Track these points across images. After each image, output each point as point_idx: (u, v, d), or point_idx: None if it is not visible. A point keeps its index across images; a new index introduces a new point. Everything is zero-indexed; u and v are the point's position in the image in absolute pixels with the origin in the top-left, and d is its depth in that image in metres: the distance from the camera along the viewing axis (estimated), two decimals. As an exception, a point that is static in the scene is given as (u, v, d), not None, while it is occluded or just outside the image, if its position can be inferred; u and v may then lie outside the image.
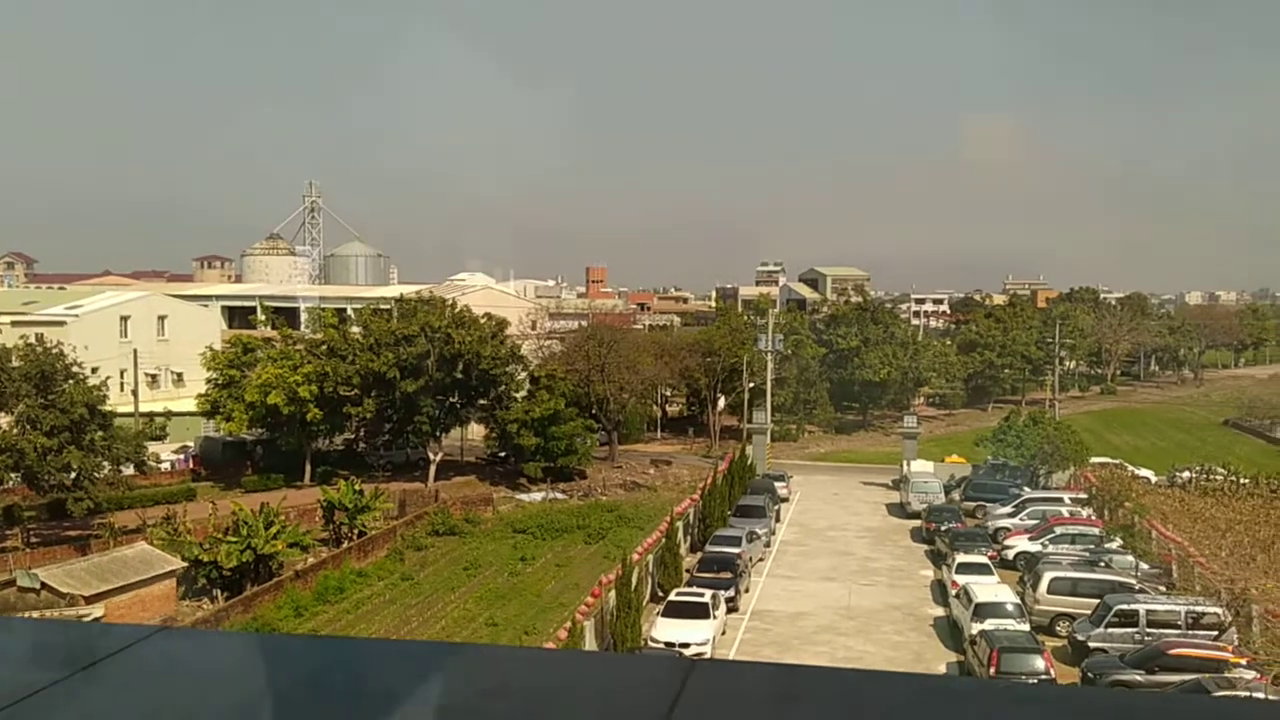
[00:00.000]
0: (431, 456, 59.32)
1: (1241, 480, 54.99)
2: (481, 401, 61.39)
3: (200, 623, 34.56)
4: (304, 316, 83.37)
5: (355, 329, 63.01)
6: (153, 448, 51.87)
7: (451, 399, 60.05)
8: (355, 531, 45.73)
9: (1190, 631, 29.69)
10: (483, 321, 60.52)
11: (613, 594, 31.52)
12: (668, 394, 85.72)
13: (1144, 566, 38.01)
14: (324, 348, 60.04)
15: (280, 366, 57.60)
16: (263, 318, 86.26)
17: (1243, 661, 26.86)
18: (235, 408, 58.11)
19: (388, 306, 67.13)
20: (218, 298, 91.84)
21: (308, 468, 59.02)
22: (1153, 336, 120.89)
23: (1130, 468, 60.02)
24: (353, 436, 64.82)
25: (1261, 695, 23.13)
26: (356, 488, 47.19)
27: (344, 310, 75.28)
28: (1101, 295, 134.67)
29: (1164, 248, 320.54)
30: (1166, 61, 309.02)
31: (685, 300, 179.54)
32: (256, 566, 39.16)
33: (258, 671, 2.71)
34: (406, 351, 57.23)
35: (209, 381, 60.43)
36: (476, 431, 66.73)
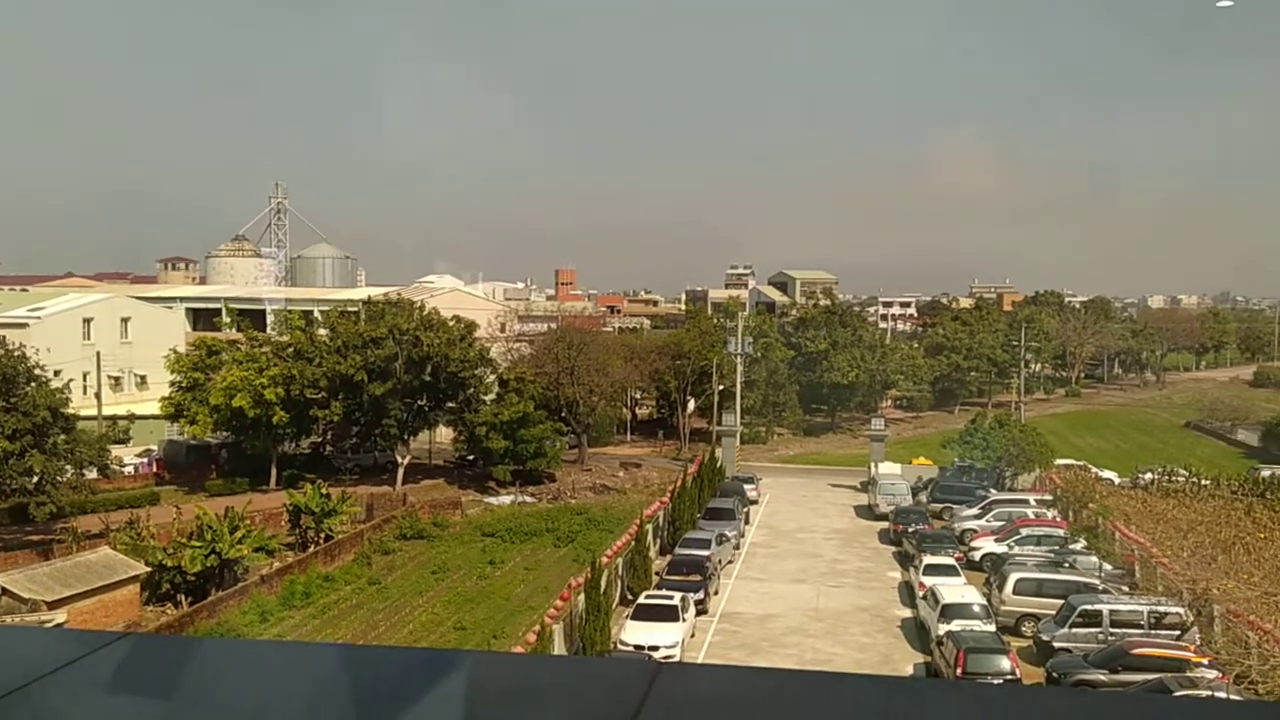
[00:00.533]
0: (399, 460, 58.98)
1: (1203, 482, 55.81)
2: (450, 404, 61.10)
3: (164, 628, 34.14)
4: (270, 319, 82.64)
5: (322, 331, 62.51)
6: (116, 451, 51.20)
7: (419, 402, 59.73)
8: (322, 535, 45.37)
9: (1153, 631, 30.07)
10: (451, 324, 60.25)
11: (582, 597, 31.48)
12: (637, 397, 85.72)
13: (1107, 567, 38.47)
14: (290, 350, 59.54)
15: (246, 369, 57.07)
16: (228, 320, 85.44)
17: (1204, 661, 27.22)
18: (200, 411, 57.50)
19: (355, 309, 66.68)
20: (182, 300, 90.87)
21: (274, 471, 58.48)
22: (1116, 339, 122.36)
23: (1094, 469, 60.77)
24: (319, 440, 64.30)
25: (1223, 694, 23.46)
26: (323, 491, 46.82)
27: (311, 312, 74.72)
28: (1066, 299, 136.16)
29: (1128, 252, 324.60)
30: (1131, 68, 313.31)
31: (655, 303, 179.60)
32: (221, 571, 38.74)
33: (222, 677, 2.69)
34: (374, 354, 56.87)
35: (173, 384, 59.77)
36: (445, 435, 66.41)
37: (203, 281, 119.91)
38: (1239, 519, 46.46)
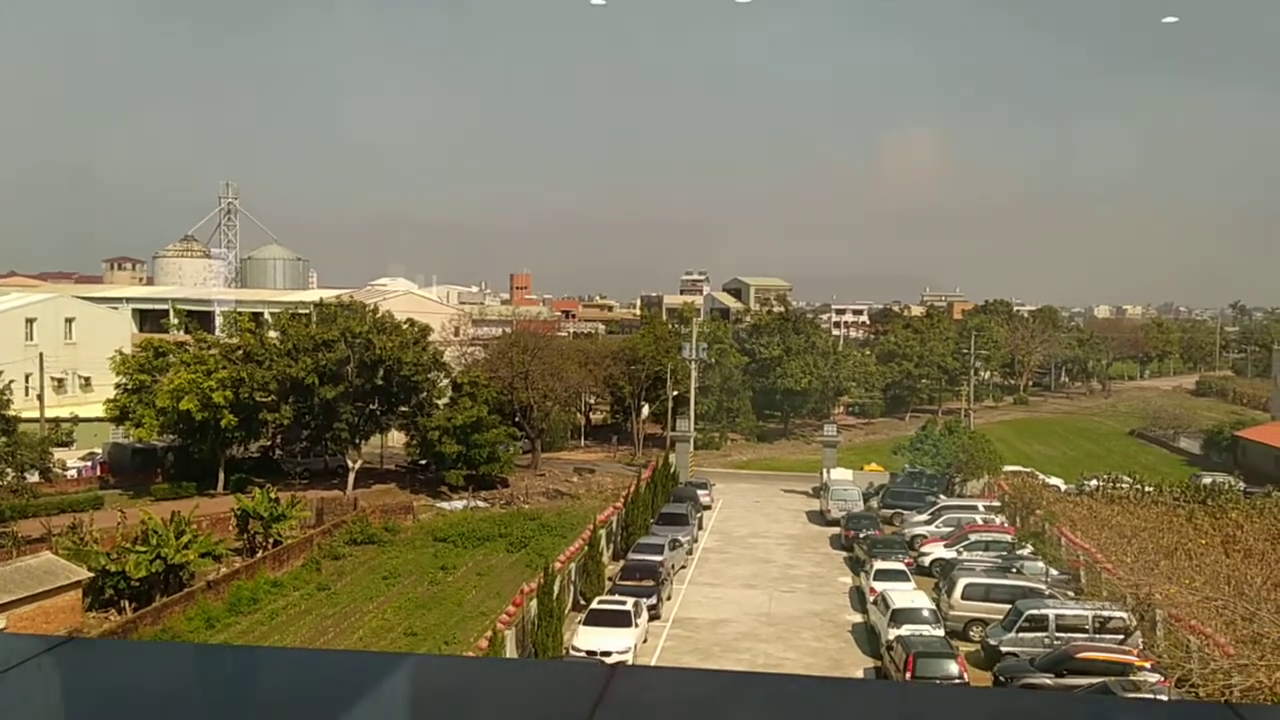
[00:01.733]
0: (350, 464, 58.36)
1: (1146, 489, 57.02)
2: (402, 408, 60.61)
3: (107, 634, 33.47)
4: (219, 320, 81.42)
5: (272, 334, 61.72)
6: (59, 454, 50.13)
7: (372, 406, 59.18)
8: (270, 541, 44.76)
9: (1097, 635, 30.57)
10: (405, 327, 59.78)
11: (534, 603, 31.35)
12: (592, 402, 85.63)
13: (1054, 572, 39.05)
14: (240, 353, 58.76)
15: (194, 371, 56.20)
16: (176, 321, 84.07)
17: (1147, 665, 27.72)
18: (146, 414, 56.54)
19: (306, 311, 65.92)
20: (128, 300, 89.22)
21: (221, 475, 57.62)
22: (1063, 348, 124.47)
23: (1041, 476, 61.76)
24: (269, 444, 63.49)
25: (1165, 697, 23.90)
26: (272, 496, 46.19)
27: (261, 314, 73.77)
28: (1015, 308, 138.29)
29: (1074, 262, 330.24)
30: (1079, 81, 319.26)
31: (610, 308, 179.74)
32: (167, 577, 38.08)
33: (165, 682, 2.65)
34: (326, 357, 56.26)
35: (118, 386, 58.71)
36: (397, 439, 65.86)
37: (150, 282, 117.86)
38: (1181, 525, 47.56)
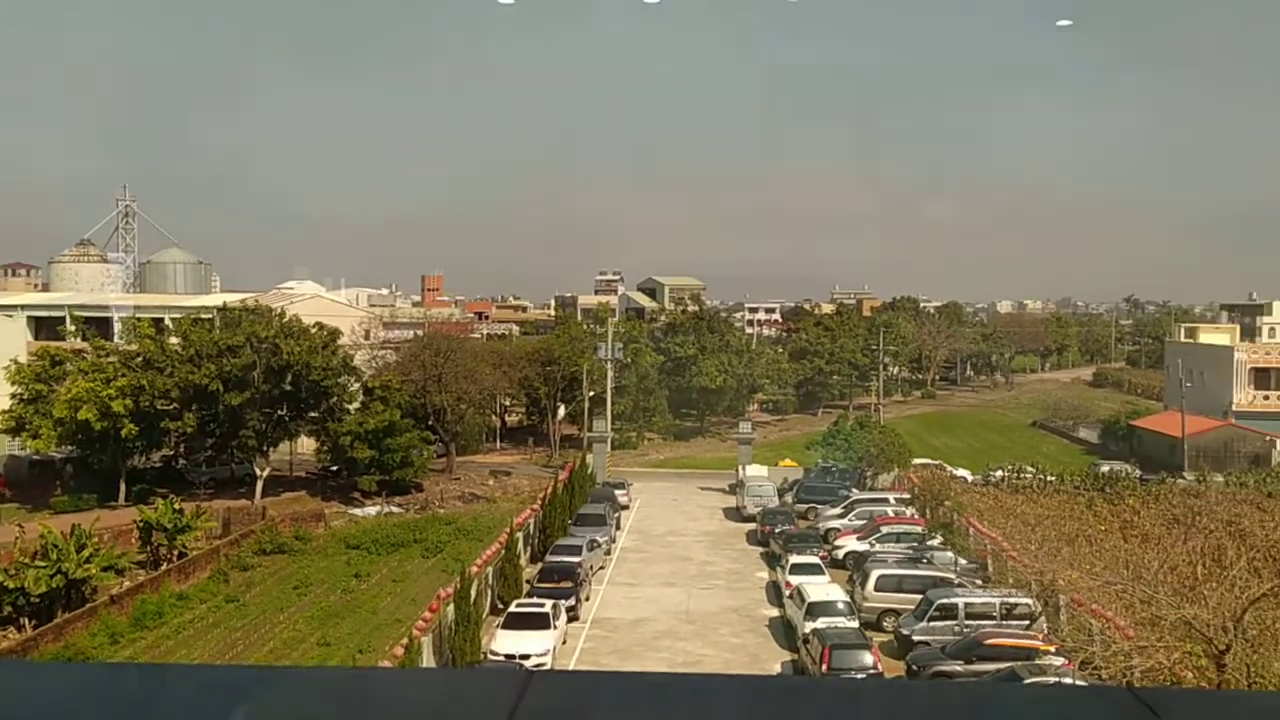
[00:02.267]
0: (258, 472, 57.02)
1: (1048, 478, 58.89)
2: (312, 414, 59.46)
3: (6, 653, 32.11)
4: (118, 327, 78.74)
5: (174, 340, 60.01)
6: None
7: (280, 412, 57.93)
8: (175, 553, 43.51)
9: (1004, 622, 31.44)
10: (313, 331, 58.65)
11: (451, 608, 31.02)
12: (507, 404, 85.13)
13: (962, 562, 40.02)
14: (140, 360, 57.03)
15: (92, 380, 54.31)
16: (73, 328, 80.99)
17: (1052, 649, 28.61)
18: (43, 424, 54.50)
19: (209, 316, 64.22)
20: (23, 307, 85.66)
21: (123, 487, 55.82)
22: (968, 343, 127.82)
23: (949, 468, 63.31)
24: (172, 453, 61.72)
25: (1069, 680, 24.69)
26: (176, 506, 44.89)
27: (161, 320, 71.56)
28: (921, 304, 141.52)
29: (977, 259, 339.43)
30: (977, 83, 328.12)
31: (524, 309, 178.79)
32: (68, 592, 36.74)
33: (67, 704, 2.53)
34: (230, 363, 54.90)
35: (14, 396, 56.46)
36: (307, 445, 64.56)
37: (45, 288, 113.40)
38: (1081, 513, 49.21)
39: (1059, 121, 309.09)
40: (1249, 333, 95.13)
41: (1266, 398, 76.67)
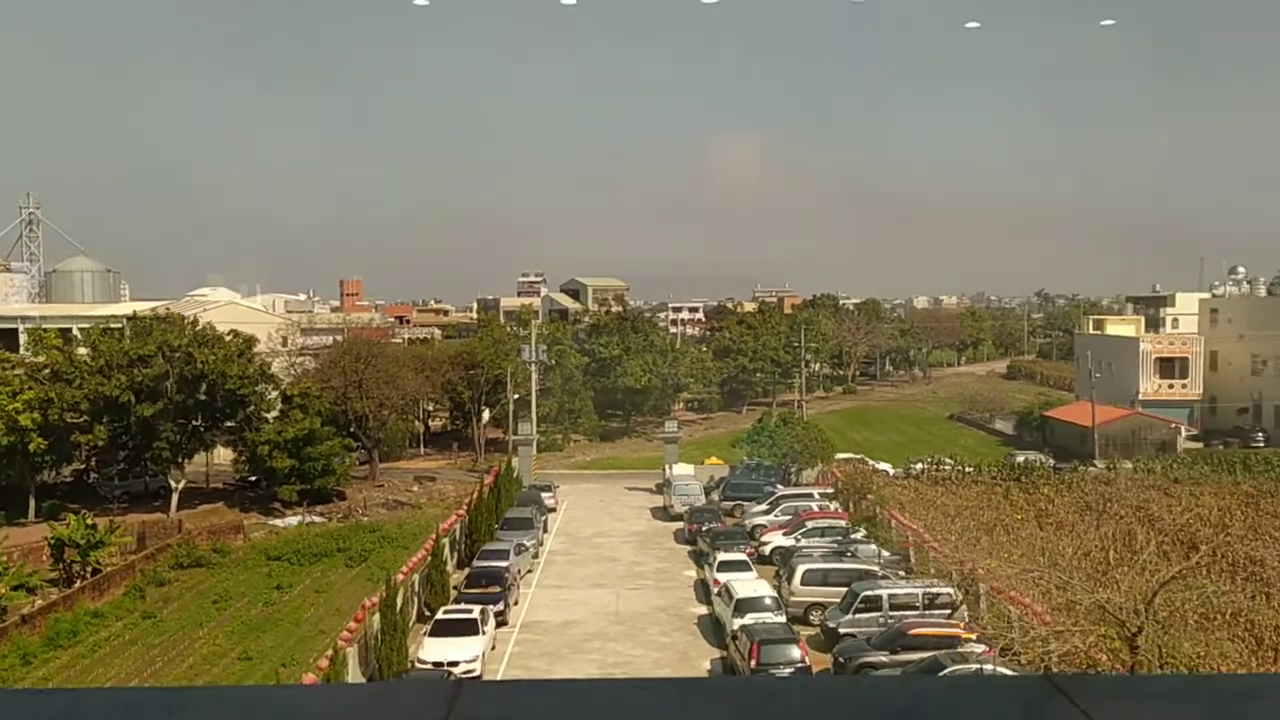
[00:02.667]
0: (173, 484, 55.51)
1: (966, 469, 60.33)
2: (229, 424, 58.11)
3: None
4: (23, 338, 76.04)
5: (83, 350, 58.17)
6: None
7: (194, 422, 56.50)
8: (88, 569, 42.15)
9: (927, 612, 32.07)
10: (228, 339, 57.33)
11: (377, 617, 30.61)
12: (430, 408, 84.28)
13: (885, 554, 40.73)
14: (47, 371, 55.15)
15: (-5, 393, 52.36)
16: (-28, 340, 78.02)
17: (973, 637, 29.28)
18: (-58, 441, 52.32)
19: (119, 325, 62.38)
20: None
21: (32, 502, 53.88)
22: (887, 339, 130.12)
23: (871, 462, 64.44)
24: (83, 466, 59.78)
25: (990, 667, 25.28)
26: (89, 522, 43.47)
27: (69, 330, 69.33)
28: (841, 301, 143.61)
29: (894, 256, 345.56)
30: (897, 83, 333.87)
31: (446, 312, 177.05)
32: (-28, 615, 35.35)
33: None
34: (142, 373, 53.39)
35: (-91, 412, 54.07)
36: (224, 456, 63.07)
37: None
38: (999, 502, 50.56)
39: (971, 120, 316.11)
40: (1153, 324, 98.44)
41: (1171, 386, 79.49)
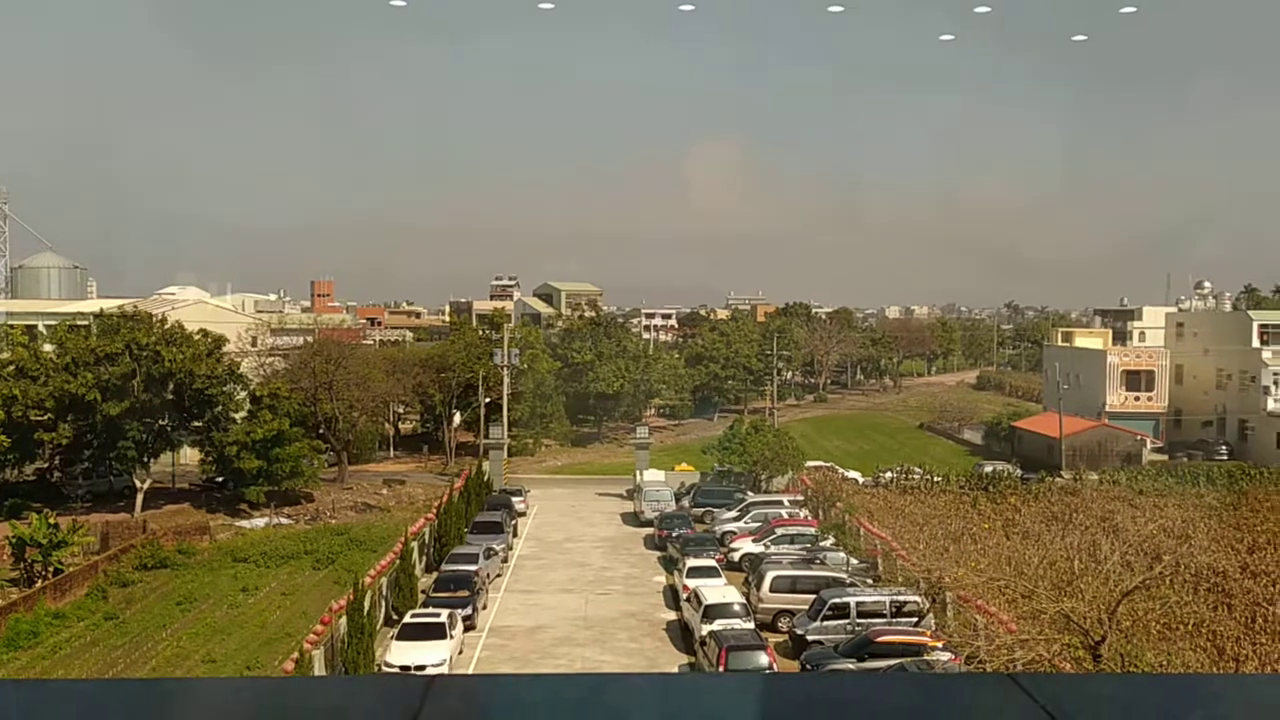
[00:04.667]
0: (138, 484, 54.89)
1: (935, 478, 60.73)
2: (196, 424, 57.57)
3: None
4: (-13, 334, 75.00)
5: (48, 347, 57.45)
6: None
7: (161, 421, 55.92)
8: (50, 570, 41.57)
9: (895, 619, 32.27)
10: (196, 338, 56.81)
11: (344, 620, 30.40)
12: (401, 411, 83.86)
13: (854, 561, 40.91)
14: (12, 368, 54.40)
15: (-43, 390, 51.60)
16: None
17: (939, 644, 29.48)
18: (-97, 437, 51.50)
19: (86, 323, 61.66)
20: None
21: (-8, 501, 53.14)
22: (858, 348, 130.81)
23: (841, 470, 64.75)
24: (46, 465, 59.00)
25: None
26: (51, 521, 42.90)
27: (35, 327, 68.50)
28: (813, 310, 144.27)
29: (867, 266, 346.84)
30: (869, 93, 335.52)
31: (418, 315, 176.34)
32: (-71, 615, 34.78)
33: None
34: (108, 371, 52.78)
35: None
36: (191, 456, 62.46)
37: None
38: (967, 511, 50.87)
39: (940, 131, 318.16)
40: (1120, 337, 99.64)
41: (1137, 399, 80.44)
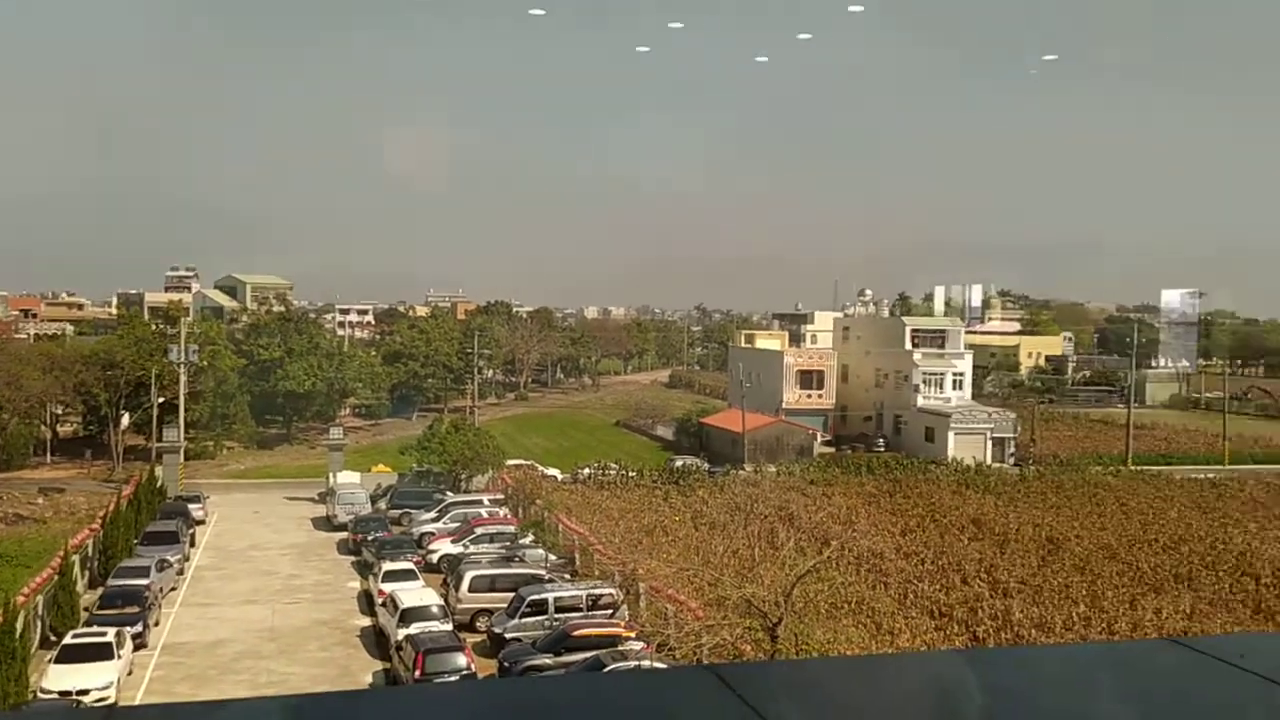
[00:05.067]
0: None
1: (630, 474, 62.91)
2: None
3: None
4: None
5: None
6: None
7: None
8: None
9: (590, 613, 33.08)
10: None
11: (-11, 646, 27.12)
12: (60, 412, 76.08)
13: (552, 558, 41.56)
14: None
15: None
16: None
17: (632, 635, 30.55)
18: None
19: None
20: None
21: None
22: (558, 347, 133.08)
23: (540, 468, 65.55)
24: None
25: (648, 663, 26.45)
26: None
27: None
28: (514, 308, 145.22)
29: (564, 266, 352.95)
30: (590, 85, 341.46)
31: (81, 307, 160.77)
32: None
33: None
34: None
35: None
36: None
37: None
38: (659, 505, 53.12)
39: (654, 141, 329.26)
40: (796, 339, 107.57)
41: (810, 396, 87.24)
